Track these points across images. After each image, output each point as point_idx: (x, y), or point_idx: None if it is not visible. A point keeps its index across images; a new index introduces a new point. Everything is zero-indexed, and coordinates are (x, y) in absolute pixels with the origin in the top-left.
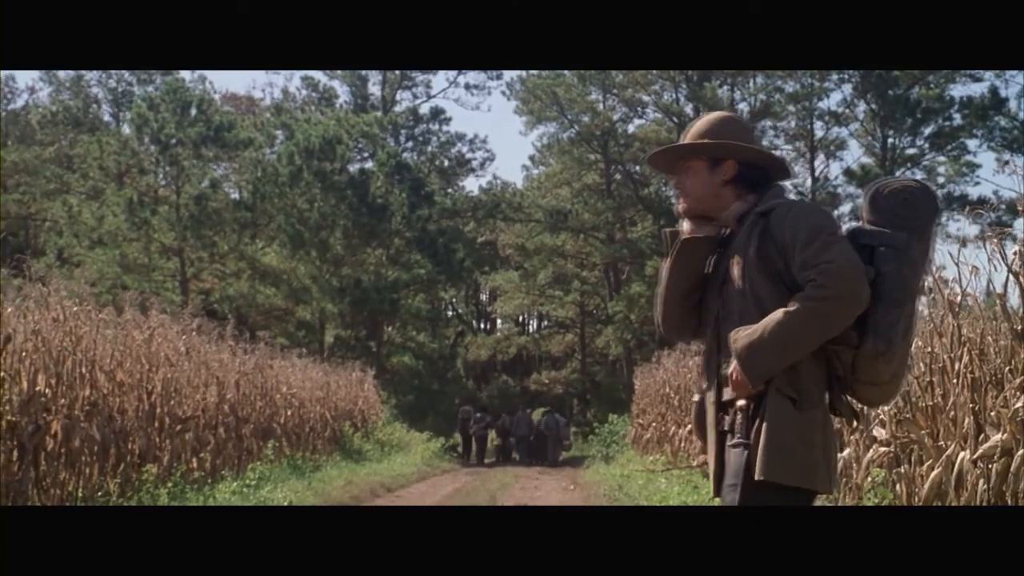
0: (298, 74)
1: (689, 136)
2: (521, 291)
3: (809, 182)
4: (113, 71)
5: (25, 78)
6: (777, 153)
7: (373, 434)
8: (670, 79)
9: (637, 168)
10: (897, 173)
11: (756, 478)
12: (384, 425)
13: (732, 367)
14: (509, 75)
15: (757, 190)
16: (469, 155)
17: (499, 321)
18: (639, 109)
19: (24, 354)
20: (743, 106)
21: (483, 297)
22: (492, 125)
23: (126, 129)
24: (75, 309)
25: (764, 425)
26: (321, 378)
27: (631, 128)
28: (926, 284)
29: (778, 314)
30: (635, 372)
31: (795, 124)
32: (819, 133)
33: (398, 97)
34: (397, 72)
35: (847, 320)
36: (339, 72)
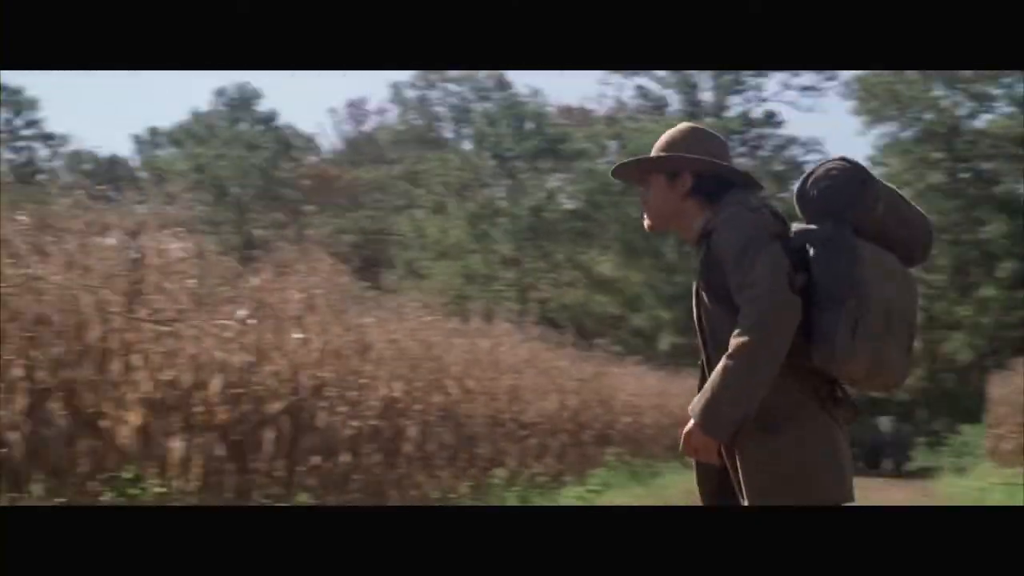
0: (630, 83)
1: (654, 149)
2: None
3: None
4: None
5: (374, 100)
6: (736, 164)
7: None
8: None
9: (988, 166)
10: None
11: None
12: None
13: (689, 431)
14: (845, 75)
15: (716, 202)
16: (803, 158)
17: None
18: (988, 104)
19: (382, 362)
20: None
21: None
22: (826, 127)
23: (466, 145)
24: (427, 319)
25: (740, 465)
26: (657, 385)
27: (979, 123)
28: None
29: (718, 368)
30: (987, 379)
31: None
32: None
33: (729, 102)
34: (728, 77)
35: (784, 335)
36: (670, 80)
